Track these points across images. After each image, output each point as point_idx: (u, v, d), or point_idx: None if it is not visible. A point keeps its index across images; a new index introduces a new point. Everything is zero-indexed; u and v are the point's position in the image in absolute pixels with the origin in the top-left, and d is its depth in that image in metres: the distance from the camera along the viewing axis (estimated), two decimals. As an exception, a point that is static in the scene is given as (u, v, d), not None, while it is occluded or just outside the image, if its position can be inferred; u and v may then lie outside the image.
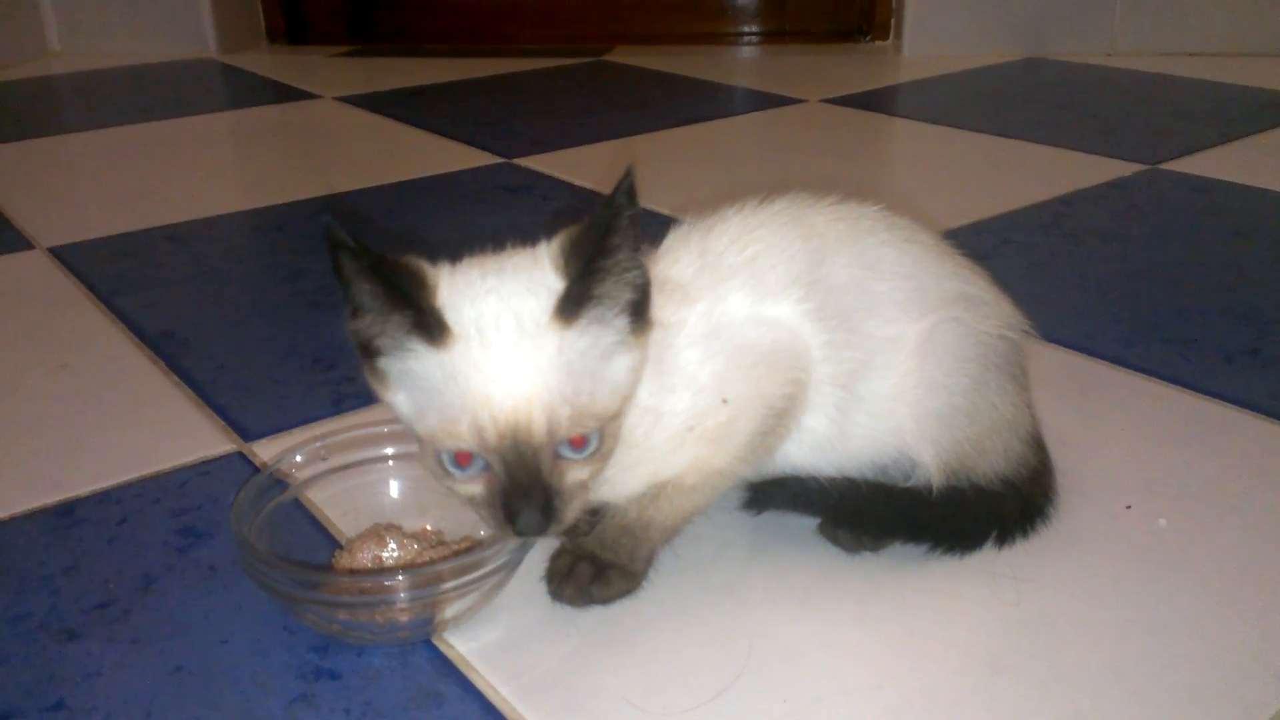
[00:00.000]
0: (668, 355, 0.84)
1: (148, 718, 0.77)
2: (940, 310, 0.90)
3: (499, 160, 2.17)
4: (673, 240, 0.93)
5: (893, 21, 3.24)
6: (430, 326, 0.74)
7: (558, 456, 0.76)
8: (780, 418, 0.87)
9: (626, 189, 0.73)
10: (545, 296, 0.75)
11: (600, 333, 0.76)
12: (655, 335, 0.82)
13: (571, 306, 0.75)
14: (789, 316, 0.87)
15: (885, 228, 0.93)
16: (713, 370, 0.85)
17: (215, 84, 3.11)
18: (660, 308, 0.85)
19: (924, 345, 0.89)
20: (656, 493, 0.87)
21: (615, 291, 0.76)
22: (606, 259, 0.75)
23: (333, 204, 1.92)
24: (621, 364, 0.78)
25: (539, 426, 0.74)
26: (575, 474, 0.77)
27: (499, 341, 0.74)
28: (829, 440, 0.90)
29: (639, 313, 0.78)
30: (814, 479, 0.91)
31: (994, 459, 0.91)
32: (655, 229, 0.95)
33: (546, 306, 0.75)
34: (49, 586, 0.91)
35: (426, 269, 0.79)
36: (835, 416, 0.89)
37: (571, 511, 0.77)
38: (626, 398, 0.79)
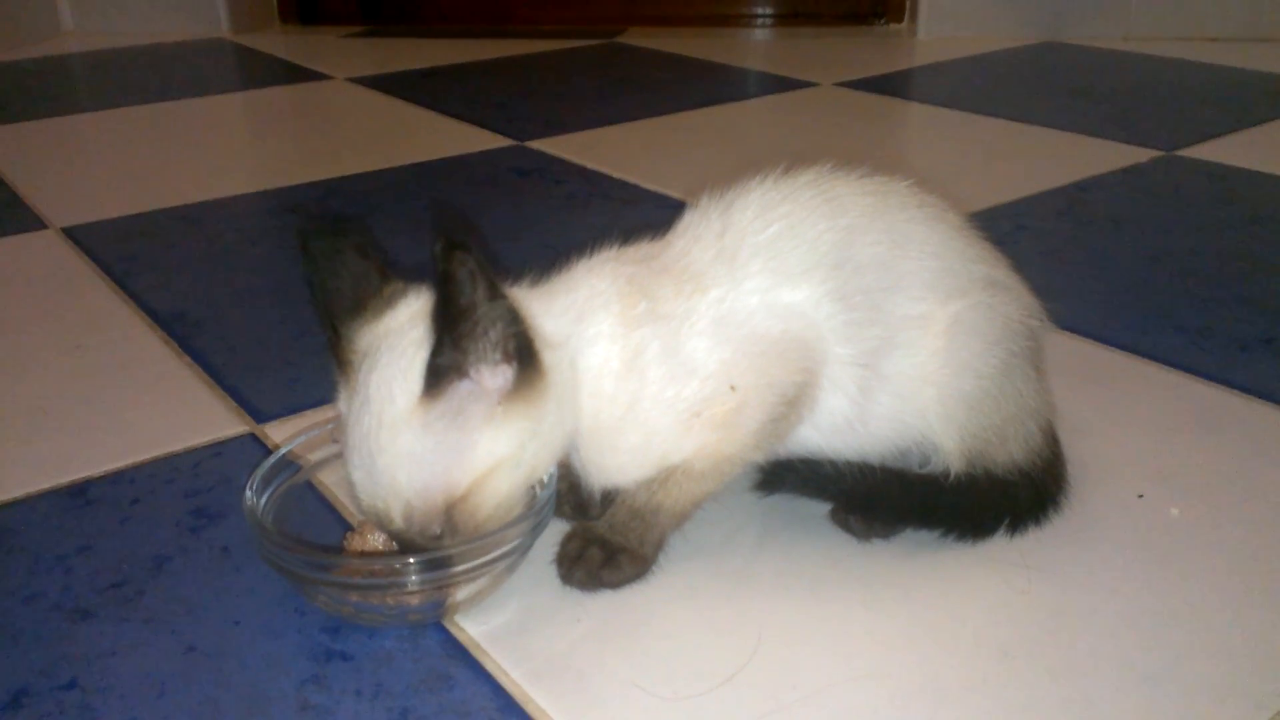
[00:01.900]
0: (674, 344, 0.84)
1: (160, 697, 0.77)
2: (969, 294, 0.89)
3: (511, 143, 2.17)
4: (693, 216, 0.93)
5: (908, 4, 3.22)
6: (343, 367, 0.81)
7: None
8: (791, 405, 0.86)
9: (444, 246, 0.71)
10: (414, 377, 0.76)
11: (466, 406, 0.76)
12: (646, 331, 0.83)
13: (434, 383, 0.75)
14: (806, 301, 0.87)
15: (915, 205, 0.92)
16: (720, 358, 0.85)
17: (228, 64, 3.11)
18: (667, 299, 0.86)
19: (953, 327, 0.88)
20: (666, 477, 0.87)
21: (481, 350, 0.75)
22: (462, 323, 0.74)
23: (344, 186, 1.92)
24: (484, 444, 0.77)
25: (398, 520, 0.78)
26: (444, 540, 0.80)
27: (362, 425, 0.77)
28: (850, 422, 0.89)
29: (523, 357, 0.77)
30: (826, 463, 0.91)
31: (1013, 447, 0.91)
32: (667, 214, 0.95)
33: (413, 389, 0.76)
34: (62, 566, 0.92)
35: (399, 297, 0.82)
36: (857, 397, 0.88)
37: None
38: (487, 475, 0.78)
